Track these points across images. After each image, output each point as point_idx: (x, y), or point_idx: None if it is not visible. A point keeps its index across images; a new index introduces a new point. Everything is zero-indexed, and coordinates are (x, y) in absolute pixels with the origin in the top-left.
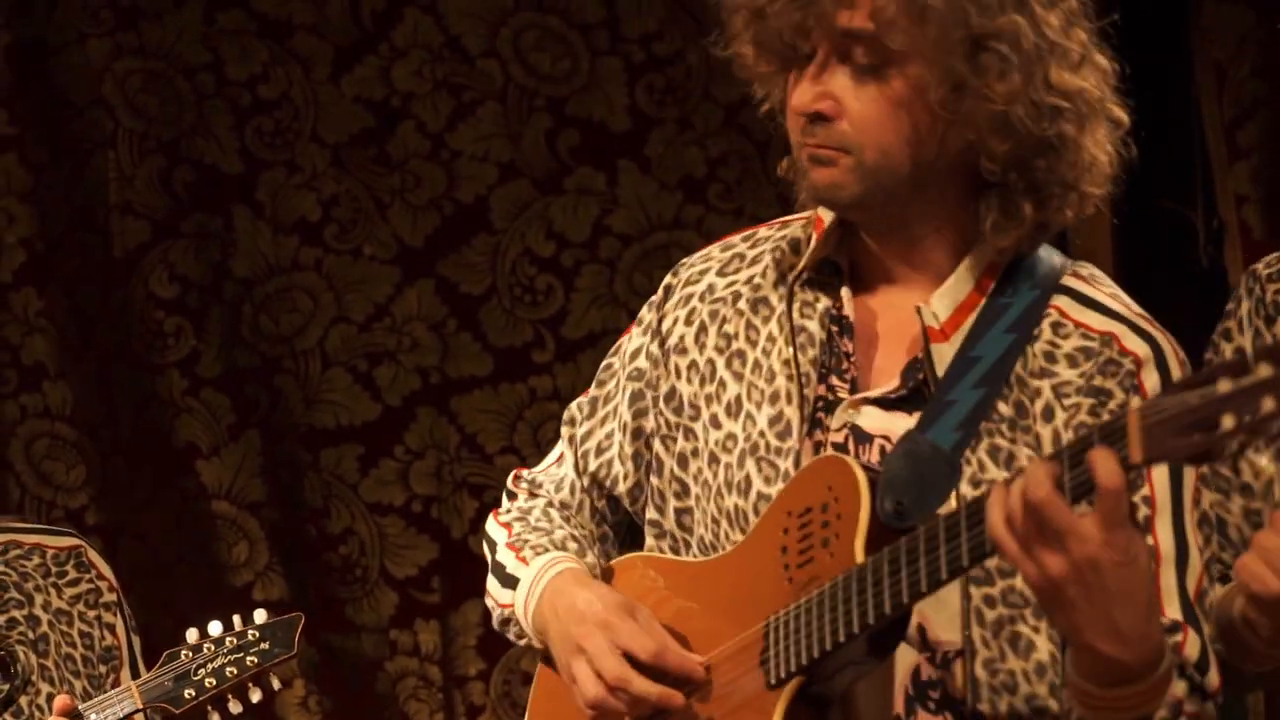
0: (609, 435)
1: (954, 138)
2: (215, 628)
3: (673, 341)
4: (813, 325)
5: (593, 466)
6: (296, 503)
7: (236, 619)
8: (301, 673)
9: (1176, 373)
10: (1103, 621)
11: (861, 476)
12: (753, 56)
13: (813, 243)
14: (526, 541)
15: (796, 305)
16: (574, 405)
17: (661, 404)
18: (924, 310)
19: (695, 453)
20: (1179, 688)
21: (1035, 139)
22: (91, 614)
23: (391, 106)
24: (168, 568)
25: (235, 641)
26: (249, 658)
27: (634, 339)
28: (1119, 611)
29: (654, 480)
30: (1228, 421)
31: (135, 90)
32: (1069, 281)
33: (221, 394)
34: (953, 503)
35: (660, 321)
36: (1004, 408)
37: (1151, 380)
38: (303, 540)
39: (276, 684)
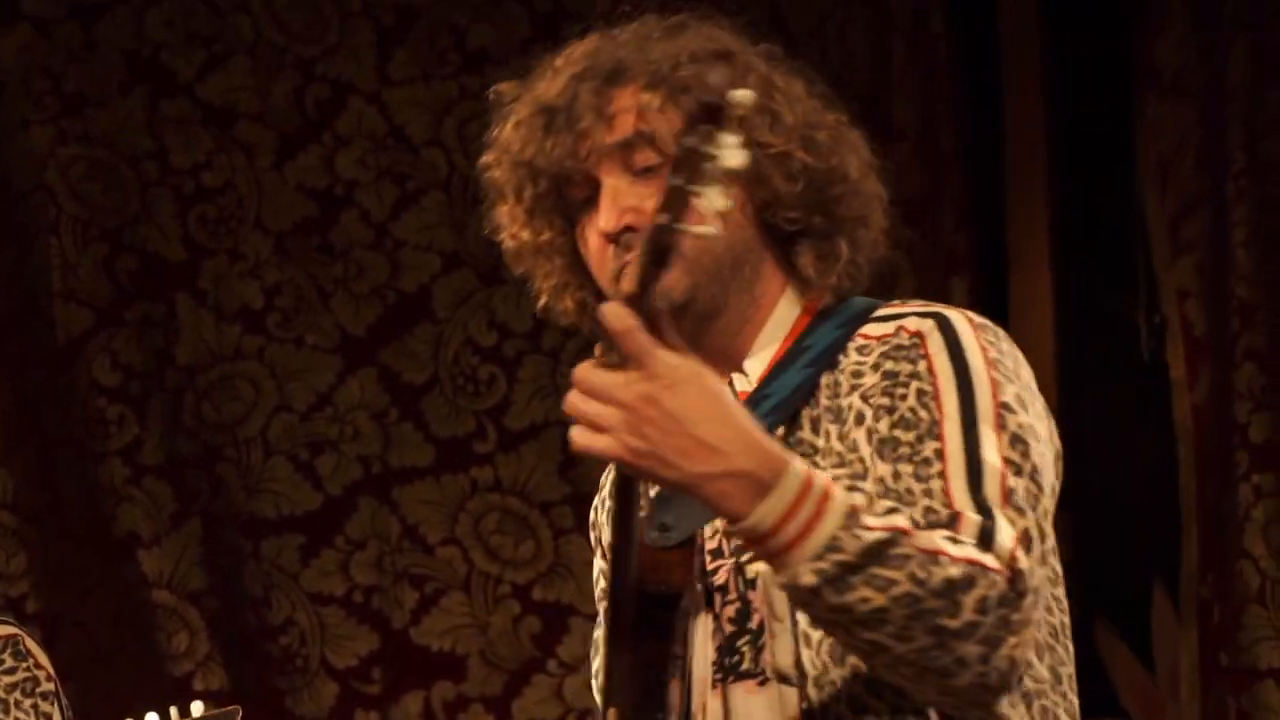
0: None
1: (748, 199)
2: (152, 719)
3: (605, 551)
4: None
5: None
6: (237, 592)
7: (174, 711)
8: None
9: (966, 330)
10: (690, 445)
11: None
12: (528, 231)
13: None
14: None
15: None
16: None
17: None
18: (735, 380)
19: None
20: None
21: (823, 173)
22: (28, 702)
23: (335, 195)
24: (108, 657)
25: None
26: None
27: (595, 564)
28: (701, 427)
29: None
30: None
31: (79, 177)
32: (877, 312)
33: (163, 482)
34: (718, 522)
35: (599, 539)
36: (812, 439)
37: (935, 342)
38: (243, 630)
39: None
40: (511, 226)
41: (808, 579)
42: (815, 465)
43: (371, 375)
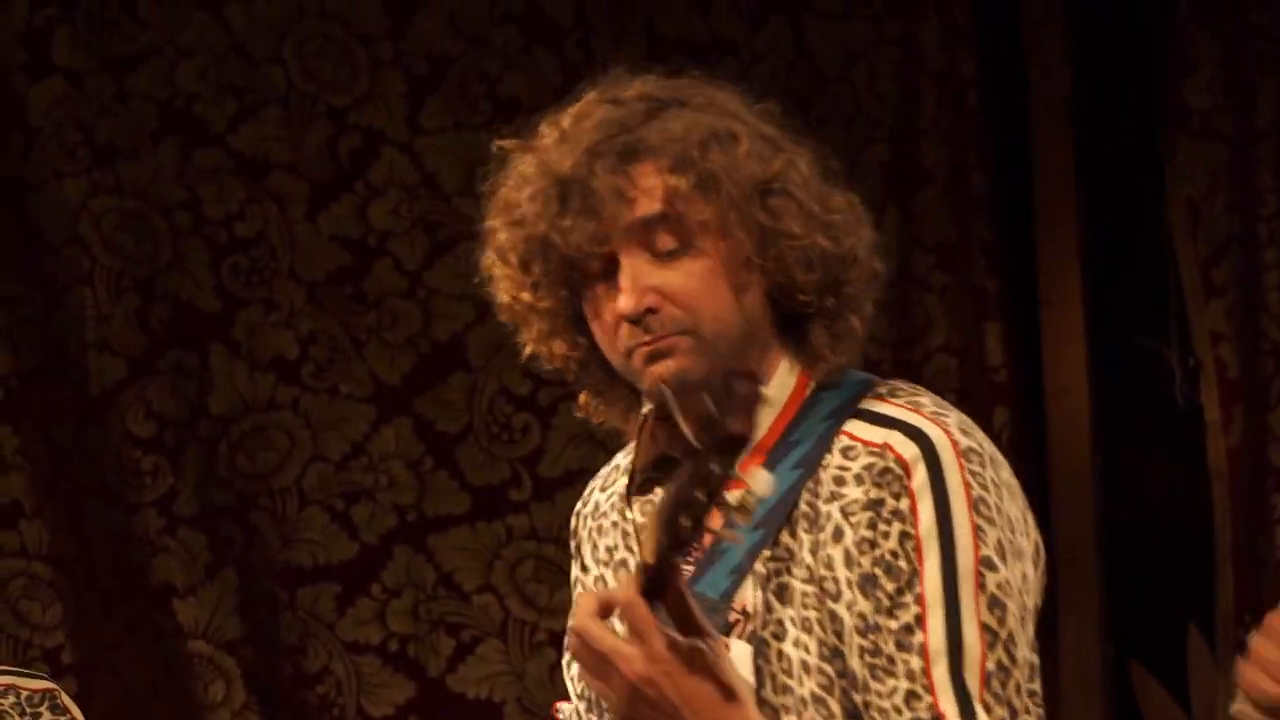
0: None
1: (764, 283)
2: None
3: (586, 563)
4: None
5: (578, 688)
6: (273, 641)
7: None
8: None
9: (951, 464)
10: None
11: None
12: (530, 296)
13: (639, 447)
14: None
15: (636, 504)
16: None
17: None
18: None
19: None
20: None
21: (838, 258)
22: None
23: (368, 244)
24: (144, 706)
25: None
26: None
27: (572, 572)
28: (690, 716)
29: None
30: (692, 496)
31: (111, 228)
32: (865, 404)
33: (198, 532)
34: None
35: (578, 548)
36: (792, 543)
37: (919, 478)
38: (279, 679)
39: None
40: (511, 288)
41: None
42: (789, 572)
43: (406, 424)
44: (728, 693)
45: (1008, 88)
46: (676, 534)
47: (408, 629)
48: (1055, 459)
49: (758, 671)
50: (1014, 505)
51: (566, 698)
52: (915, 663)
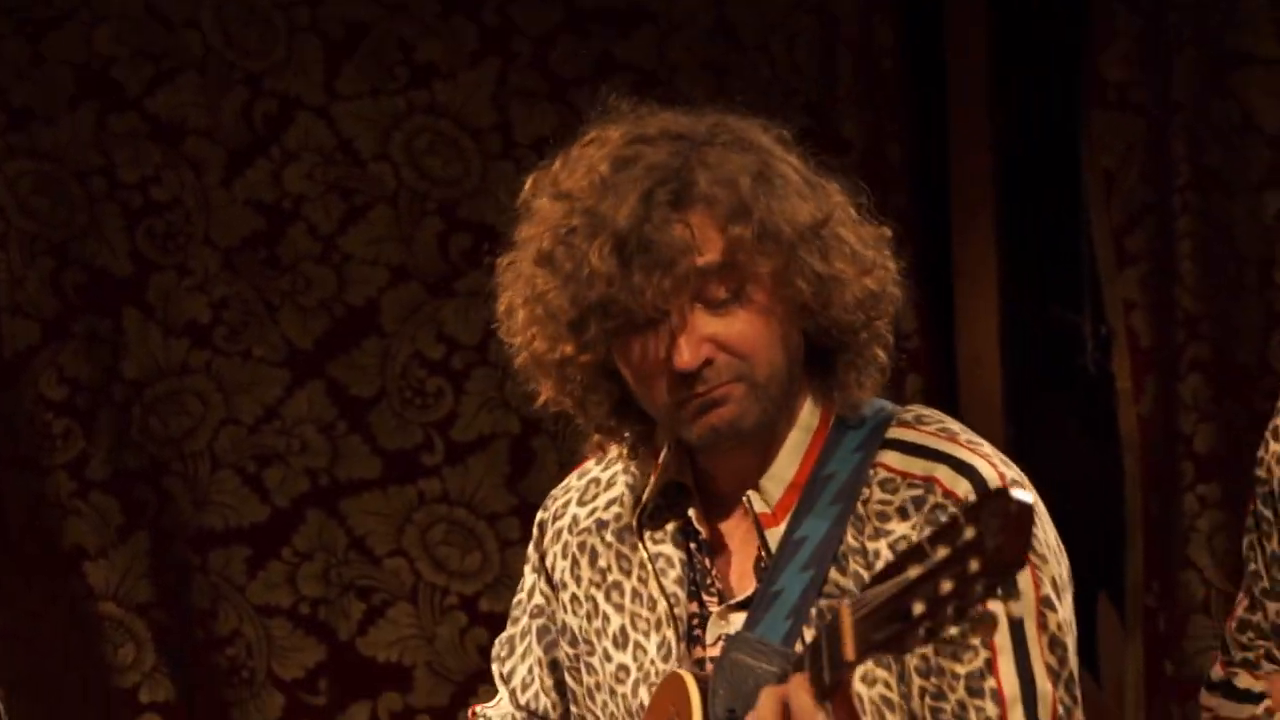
0: (530, 671)
1: (809, 324)
2: None
3: (557, 578)
4: (666, 548)
5: (524, 700)
6: (184, 604)
7: None
8: None
9: None
10: None
11: (693, 688)
12: (571, 346)
13: (653, 475)
14: None
15: (648, 534)
16: (497, 642)
17: (562, 638)
18: (752, 499)
19: (598, 686)
20: None
21: (874, 296)
22: None
23: (283, 209)
24: (54, 669)
25: None
26: None
27: (528, 577)
28: None
29: (574, 709)
30: (917, 608)
31: (26, 192)
32: (893, 433)
33: (110, 495)
34: None
35: (543, 559)
36: (842, 580)
37: None
38: (190, 642)
39: None
40: (551, 340)
41: None
42: None
43: (319, 388)
44: None
45: (925, 58)
46: (898, 641)
47: (318, 592)
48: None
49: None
50: (1053, 534)
51: (477, 663)
52: (991, 710)
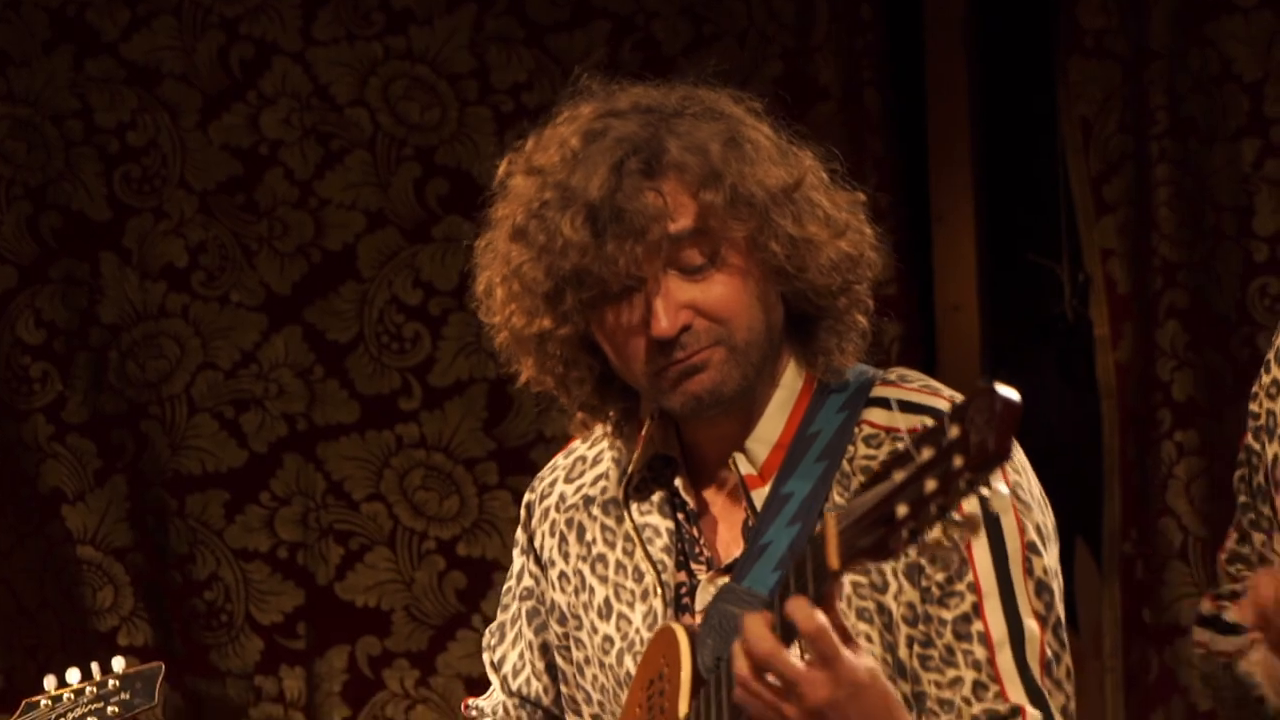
0: (521, 656)
1: (786, 287)
2: (74, 676)
3: (545, 556)
4: (654, 519)
5: (515, 686)
6: (162, 548)
7: (95, 667)
8: (166, 718)
9: None
10: None
11: (683, 639)
12: (549, 320)
13: (638, 447)
14: None
15: (634, 505)
16: (488, 631)
17: (551, 618)
18: (738, 460)
19: (588, 660)
20: None
21: (852, 261)
22: None
23: (259, 154)
24: (32, 613)
25: (95, 691)
26: (110, 708)
27: (516, 560)
28: None
29: (565, 690)
30: (900, 510)
31: (2, 136)
32: (878, 391)
33: (87, 440)
34: None
35: (531, 539)
36: None
37: None
38: (168, 586)
39: None
40: (529, 314)
41: None
42: None
43: (296, 333)
44: (895, 701)
45: (903, 4)
46: (880, 546)
47: (296, 537)
48: (945, 376)
49: None
50: (1036, 486)
51: (455, 607)
52: (979, 652)
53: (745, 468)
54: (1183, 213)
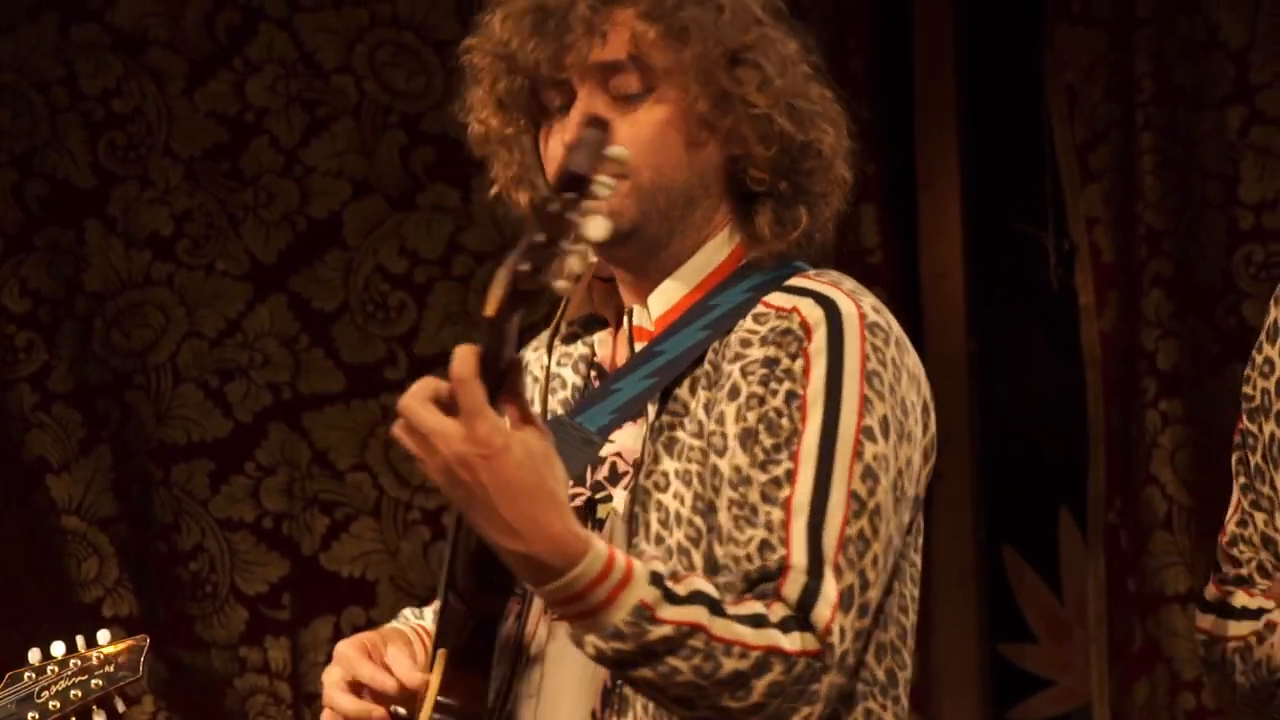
0: None
1: (720, 150)
2: (58, 648)
3: None
4: (567, 372)
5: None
6: (147, 518)
7: (80, 640)
8: (151, 689)
9: (853, 334)
10: (491, 517)
11: None
12: (496, 119)
13: (575, 299)
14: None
15: (555, 357)
16: None
17: None
18: (634, 311)
19: None
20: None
21: (799, 144)
22: None
23: (245, 121)
24: (17, 582)
25: (79, 664)
26: (94, 680)
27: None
28: (502, 505)
29: None
30: (538, 238)
31: None
32: (790, 280)
33: (72, 409)
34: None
35: None
36: (686, 398)
37: (818, 341)
38: (153, 556)
39: (121, 707)
40: (481, 112)
41: (589, 651)
42: (681, 427)
43: (281, 302)
44: (547, 493)
45: None
46: (516, 283)
47: (281, 506)
48: (931, 343)
49: (634, 519)
50: (913, 392)
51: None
52: (776, 515)
53: (639, 319)
54: (1168, 181)
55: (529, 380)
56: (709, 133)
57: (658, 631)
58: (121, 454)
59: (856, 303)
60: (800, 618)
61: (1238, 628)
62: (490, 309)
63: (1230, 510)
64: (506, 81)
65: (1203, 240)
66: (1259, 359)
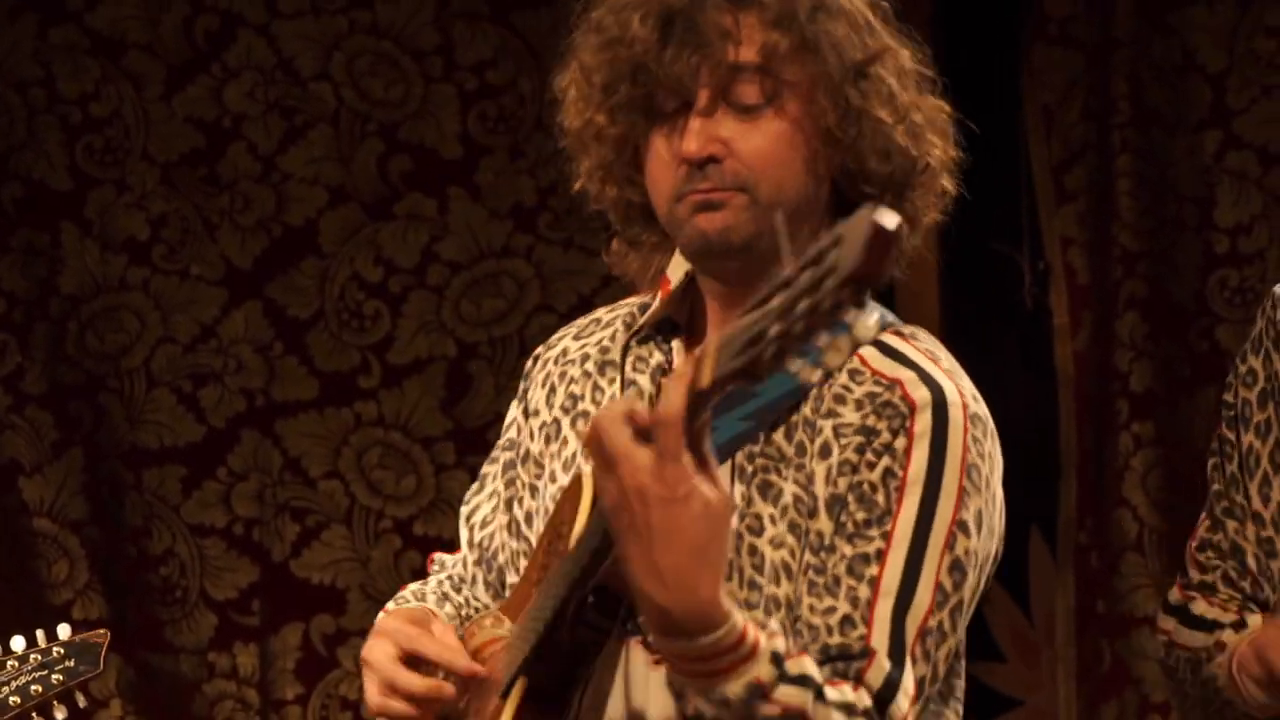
0: (493, 509)
1: (835, 164)
2: (19, 643)
3: (532, 405)
4: (643, 380)
5: (478, 538)
6: (118, 522)
7: (40, 634)
8: (119, 693)
9: (958, 423)
10: (644, 557)
11: (588, 488)
12: (603, 116)
13: (656, 302)
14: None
15: (630, 361)
16: (474, 484)
17: (523, 467)
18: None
19: (536, 511)
20: (799, 694)
21: (911, 159)
22: None
23: (222, 127)
24: None
25: (40, 658)
26: (54, 675)
27: (511, 412)
28: (660, 550)
29: (515, 544)
30: (774, 329)
31: None
32: (883, 337)
33: (45, 411)
34: None
35: (526, 391)
36: (783, 445)
37: (923, 424)
38: (123, 560)
39: (82, 702)
40: (585, 109)
41: (689, 707)
42: (778, 472)
43: (256, 308)
44: (709, 556)
45: None
46: (752, 365)
47: (253, 513)
48: None
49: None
50: (999, 486)
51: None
52: (864, 592)
53: None
54: (1144, 203)
55: (579, 373)
56: (830, 147)
57: (765, 710)
58: (94, 457)
59: (960, 390)
60: (880, 708)
61: (1192, 638)
62: (705, 380)
63: (1202, 516)
64: (628, 86)
65: (1178, 263)
66: (1242, 369)
